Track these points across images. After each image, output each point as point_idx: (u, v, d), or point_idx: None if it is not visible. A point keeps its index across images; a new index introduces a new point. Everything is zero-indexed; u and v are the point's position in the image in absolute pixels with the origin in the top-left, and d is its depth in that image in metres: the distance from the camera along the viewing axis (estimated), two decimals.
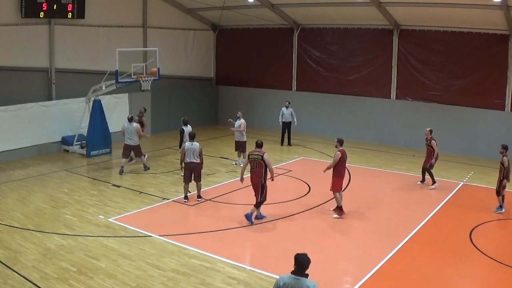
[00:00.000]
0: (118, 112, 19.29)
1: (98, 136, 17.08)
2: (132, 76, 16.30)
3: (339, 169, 11.26)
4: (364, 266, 8.83)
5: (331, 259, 9.30)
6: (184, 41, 23.06)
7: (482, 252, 9.49)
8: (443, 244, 9.94)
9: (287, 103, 19.22)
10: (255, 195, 10.83)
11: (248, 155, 10.98)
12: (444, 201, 12.74)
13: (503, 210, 11.79)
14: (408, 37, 19.37)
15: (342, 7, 19.08)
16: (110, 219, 10.92)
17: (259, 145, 10.85)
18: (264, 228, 10.66)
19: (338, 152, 11.17)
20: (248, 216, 10.75)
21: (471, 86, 18.20)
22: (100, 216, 11.10)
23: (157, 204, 12.14)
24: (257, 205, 10.83)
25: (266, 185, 10.77)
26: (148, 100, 20.77)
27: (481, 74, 18.02)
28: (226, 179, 14.40)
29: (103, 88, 16.76)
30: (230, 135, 19.45)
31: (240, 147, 15.82)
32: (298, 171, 15.67)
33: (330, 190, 11.39)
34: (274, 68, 22.75)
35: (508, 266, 8.90)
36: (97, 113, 17.03)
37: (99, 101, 17.10)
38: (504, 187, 11.76)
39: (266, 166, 10.61)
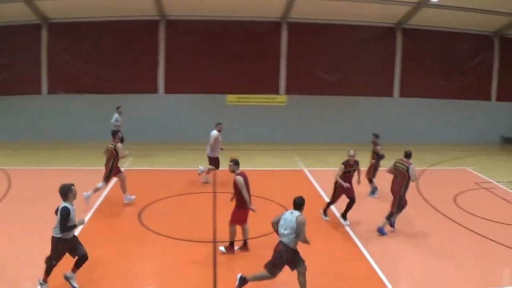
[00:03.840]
0: None
1: None
2: None
3: None
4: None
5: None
6: None
7: (154, 232, 9.89)
8: (115, 230, 10.01)
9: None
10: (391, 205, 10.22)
11: (394, 163, 10.33)
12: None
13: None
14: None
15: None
16: None
17: (408, 155, 10.23)
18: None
19: None
20: (380, 230, 10.14)
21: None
22: None
23: None
24: (389, 216, 10.17)
25: (404, 198, 10.13)
26: None
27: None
28: None
29: None
30: None
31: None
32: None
33: None
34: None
35: (177, 239, 9.48)
36: None
37: None
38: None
39: (409, 178, 9.98)
